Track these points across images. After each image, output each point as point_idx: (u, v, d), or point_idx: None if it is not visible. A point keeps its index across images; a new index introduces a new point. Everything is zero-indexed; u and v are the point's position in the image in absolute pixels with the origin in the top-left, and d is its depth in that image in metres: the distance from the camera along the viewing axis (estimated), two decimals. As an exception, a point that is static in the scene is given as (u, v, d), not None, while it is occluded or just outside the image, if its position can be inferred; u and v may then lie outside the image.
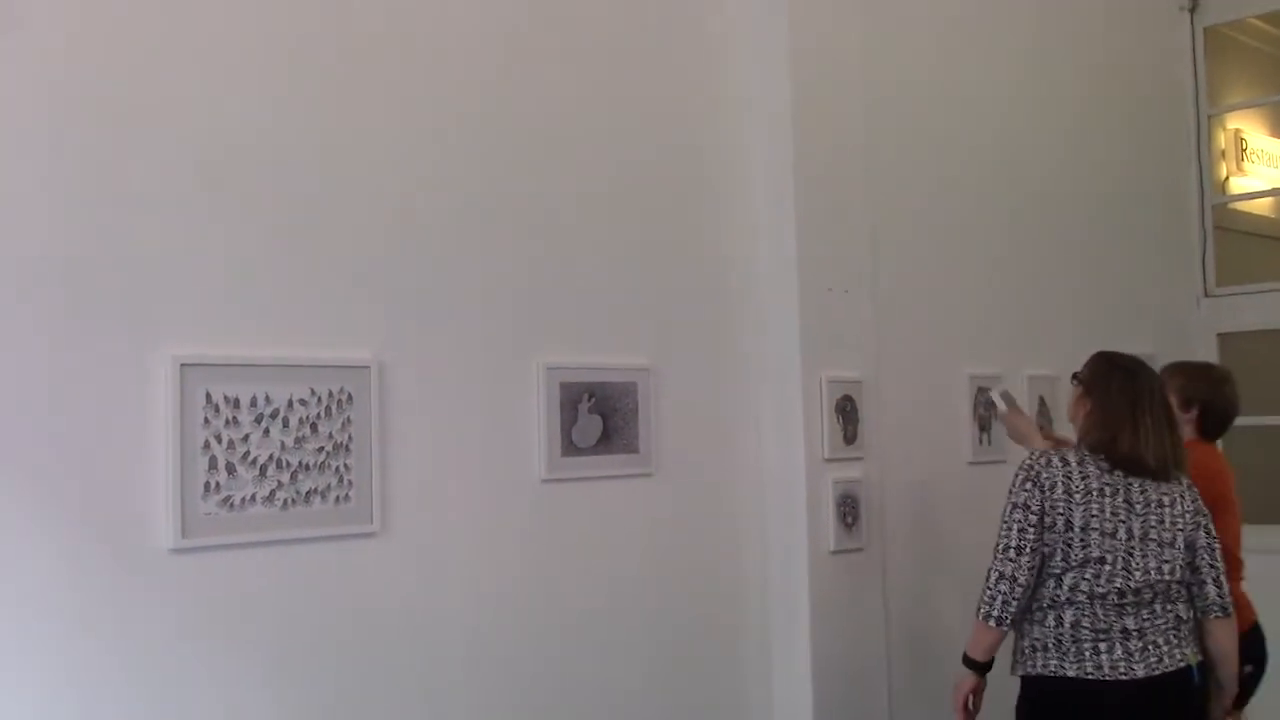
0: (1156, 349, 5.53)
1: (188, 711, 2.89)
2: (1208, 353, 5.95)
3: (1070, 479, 3.19)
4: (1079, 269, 5.34)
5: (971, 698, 3.35)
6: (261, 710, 3.01)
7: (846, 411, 4.12)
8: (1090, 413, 3.30)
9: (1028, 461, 3.25)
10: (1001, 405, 4.05)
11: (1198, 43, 6.17)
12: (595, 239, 3.75)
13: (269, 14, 3.12)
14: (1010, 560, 3.17)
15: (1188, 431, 3.74)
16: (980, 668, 3.33)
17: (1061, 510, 3.17)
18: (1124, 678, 3.12)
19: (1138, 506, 3.20)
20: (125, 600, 2.81)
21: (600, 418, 3.69)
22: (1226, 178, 6.40)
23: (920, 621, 4.21)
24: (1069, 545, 3.16)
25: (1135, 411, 3.22)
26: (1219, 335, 5.97)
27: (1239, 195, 6.50)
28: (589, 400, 3.66)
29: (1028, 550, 3.16)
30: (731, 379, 4.07)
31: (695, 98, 4.05)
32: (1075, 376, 3.42)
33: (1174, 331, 5.76)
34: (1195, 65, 6.16)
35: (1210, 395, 3.85)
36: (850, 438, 4.14)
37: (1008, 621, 3.21)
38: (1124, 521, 3.18)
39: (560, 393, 3.59)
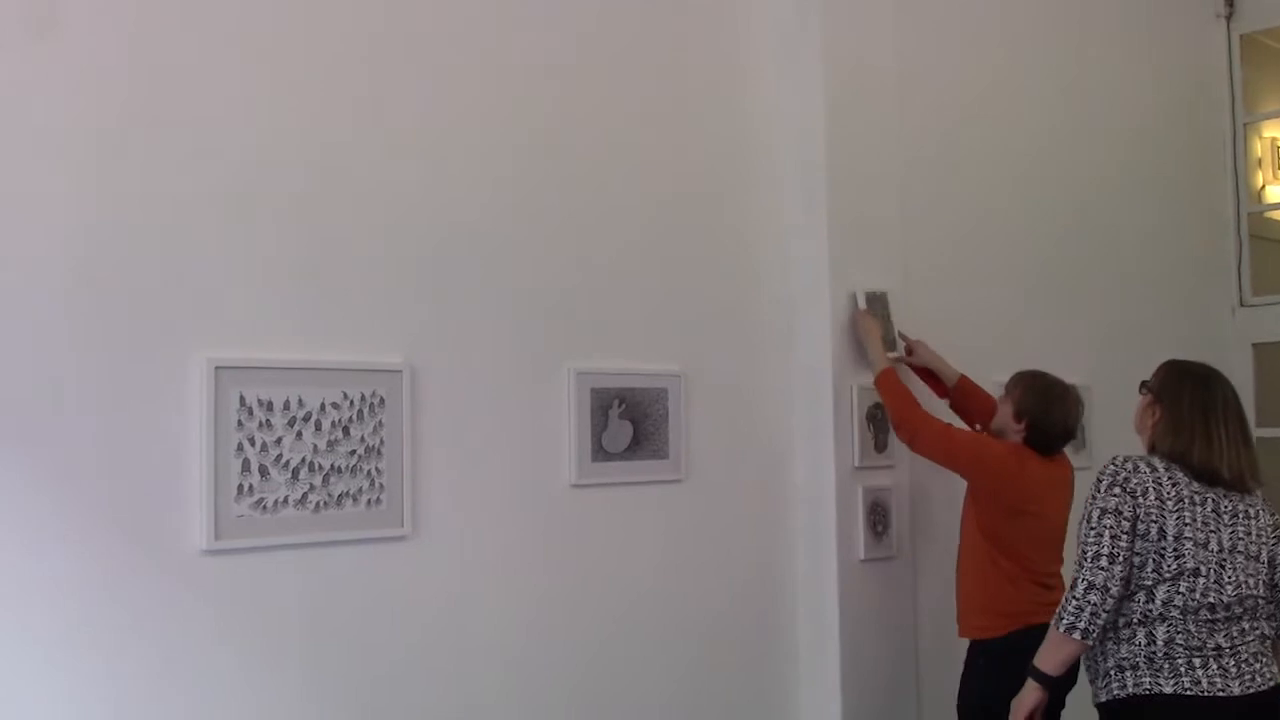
0: (1192, 359, 5.46)
1: (219, 711, 2.91)
2: (1243, 362, 5.88)
3: (1160, 485, 3.03)
4: (1112, 277, 5.30)
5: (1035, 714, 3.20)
6: (292, 710, 3.03)
7: (877, 420, 4.10)
8: (1160, 422, 3.14)
9: (1111, 467, 3.09)
10: (861, 303, 4.03)
11: (1234, 50, 6.10)
12: (627, 245, 3.75)
13: (306, 19, 3.14)
14: (1102, 569, 2.98)
15: (1016, 439, 3.83)
16: (1050, 682, 3.15)
17: (1155, 518, 3.00)
18: (1221, 694, 2.97)
19: (1225, 517, 3.05)
20: (158, 601, 2.84)
21: (630, 423, 3.69)
22: (1263, 186, 6.33)
23: (950, 631, 4.16)
24: (1161, 555, 2.99)
25: (1209, 422, 3.08)
26: (1254, 345, 5.91)
27: (1275, 204, 6.42)
28: (619, 406, 3.66)
29: (1120, 559, 2.98)
30: (762, 386, 4.07)
31: (728, 106, 4.05)
32: (1144, 385, 3.28)
33: (1208, 341, 5.69)
34: (1231, 73, 6.10)
35: (1039, 412, 3.80)
36: (881, 446, 4.13)
37: (1094, 635, 3.02)
38: (1214, 532, 3.02)
39: (591, 398, 3.60)
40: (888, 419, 3.98)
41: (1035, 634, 3.64)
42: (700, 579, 3.86)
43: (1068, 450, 3.98)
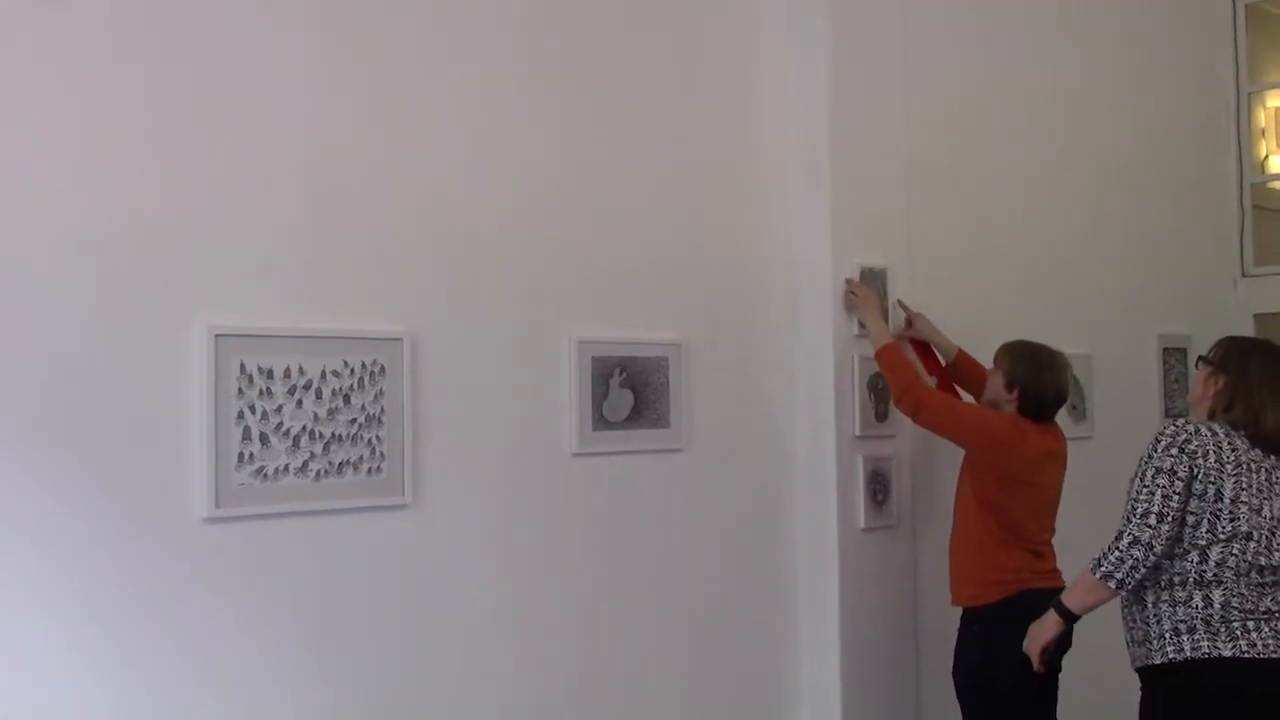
0: (1193, 330, 5.49)
1: (219, 679, 2.92)
2: (1244, 334, 5.86)
3: (1220, 449, 3.11)
4: (1115, 248, 5.28)
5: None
6: (292, 678, 3.04)
7: (878, 389, 4.10)
8: (1224, 390, 3.22)
9: (1171, 428, 3.16)
10: (855, 277, 4.04)
11: (1238, 19, 6.06)
12: (629, 214, 3.74)
13: (304, -15, 3.13)
14: (1149, 527, 3.08)
15: (1010, 409, 3.87)
16: (1073, 619, 3.30)
17: (1214, 479, 3.09)
18: (1275, 656, 3.06)
19: (1277, 486, 3.15)
20: (159, 569, 2.84)
21: (631, 392, 3.69)
22: (1266, 156, 6.29)
23: (950, 599, 4.18)
24: (1217, 516, 3.08)
25: (1277, 389, 3.18)
26: (1256, 316, 5.89)
27: (1278, 174, 6.39)
28: (620, 375, 3.66)
29: (1169, 518, 3.08)
30: (763, 355, 4.06)
31: (734, 79, 4.03)
32: (1202, 359, 3.34)
33: (1211, 312, 5.69)
34: (1235, 42, 6.06)
35: (1031, 379, 3.85)
36: (882, 415, 4.12)
37: (1128, 586, 3.14)
38: (1267, 499, 3.12)
39: (592, 367, 3.59)
40: (889, 390, 3.98)
41: (1027, 600, 3.68)
42: (701, 548, 3.87)
43: (1067, 421, 3.99)
